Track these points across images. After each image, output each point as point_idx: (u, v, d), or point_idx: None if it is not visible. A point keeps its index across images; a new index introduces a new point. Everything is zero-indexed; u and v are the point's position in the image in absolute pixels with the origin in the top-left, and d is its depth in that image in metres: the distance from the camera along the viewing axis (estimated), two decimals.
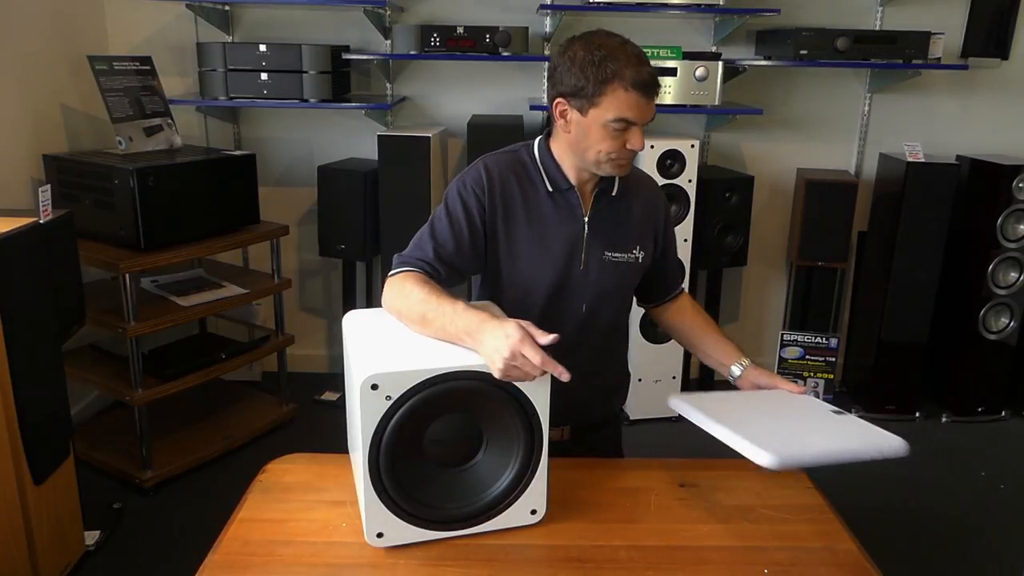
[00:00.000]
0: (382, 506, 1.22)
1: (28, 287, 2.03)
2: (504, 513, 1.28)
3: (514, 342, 1.17)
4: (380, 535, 1.23)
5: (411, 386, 1.18)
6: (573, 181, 1.52)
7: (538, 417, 1.25)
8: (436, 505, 1.26)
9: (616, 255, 1.55)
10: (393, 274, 1.43)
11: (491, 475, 1.28)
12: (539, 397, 1.24)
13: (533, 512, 1.30)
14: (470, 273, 1.57)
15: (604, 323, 1.59)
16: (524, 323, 1.21)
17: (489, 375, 1.20)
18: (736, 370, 1.59)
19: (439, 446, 1.26)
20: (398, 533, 1.24)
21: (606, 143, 1.41)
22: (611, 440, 1.75)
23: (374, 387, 1.16)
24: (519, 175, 1.53)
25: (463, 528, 1.27)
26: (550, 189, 1.52)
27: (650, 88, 1.38)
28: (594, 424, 1.68)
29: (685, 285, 1.83)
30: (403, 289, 1.38)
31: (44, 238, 2.10)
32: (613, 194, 1.55)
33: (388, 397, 1.18)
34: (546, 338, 1.19)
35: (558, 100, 1.44)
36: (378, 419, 1.18)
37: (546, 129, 1.57)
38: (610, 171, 1.47)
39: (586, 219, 1.53)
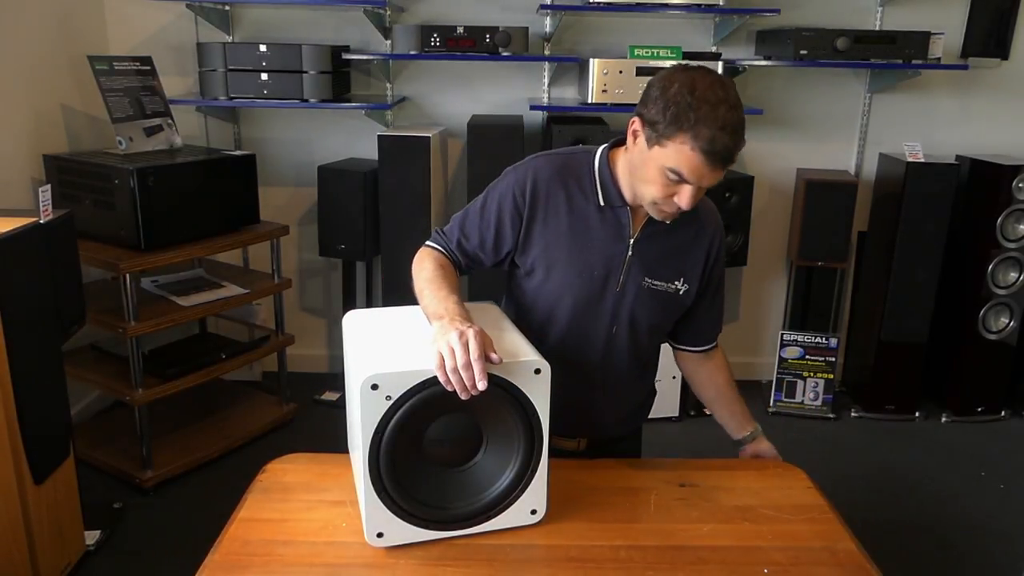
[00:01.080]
0: (382, 506, 1.22)
1: (28, 287, 2.03)
2: (504, 513, 1.28)
3: (467, 333, 1.17)
4: (380, 535, 1.23)
5: (411, 386, 1.18)
6: (628, 199, 1.46)
7: (538, 417, 1.25)
8: (436, 505, 1.26)
9: (656, 283, 1.49)
10: (427, 244, 1.53)
11: (491, 475, 1.28)
12: (539, 397, 1.24)
13: (533, 512, 1.30)
14: (491, 267, 1.56)
15: (632, 348, 1.53)
16: (484, 333, 1.22)
17: (490, 375, 1.20)
18: (743, 436, 1.63)
19: (439, 446, 1.26)
20: (398, 533, 1.24)
21: (657, 187, 1.34)
22: (628, 453, 1.69)
23: (374, 387, 1.16)
24: (570, 183, 1.48)
25: (463, 528, 1.27)
26: (602, 203, 1.47)
27: (718, 158, 1.27)
28: (613, 438, 1.64)
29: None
30: (422, 263, 1.47)
31: (44, 238, 2.10)
32: (667, 221, 1.45)
33: (388, 397, 1.18)
34: (494, 356, 1.19)
35: (635, 118, 1.36)
36: (378, 419, 1.18)
37: (613, 139, 1.50)
38: (653, 214, 1.41)
39: (632, 240, 1.47)
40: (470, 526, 1.28)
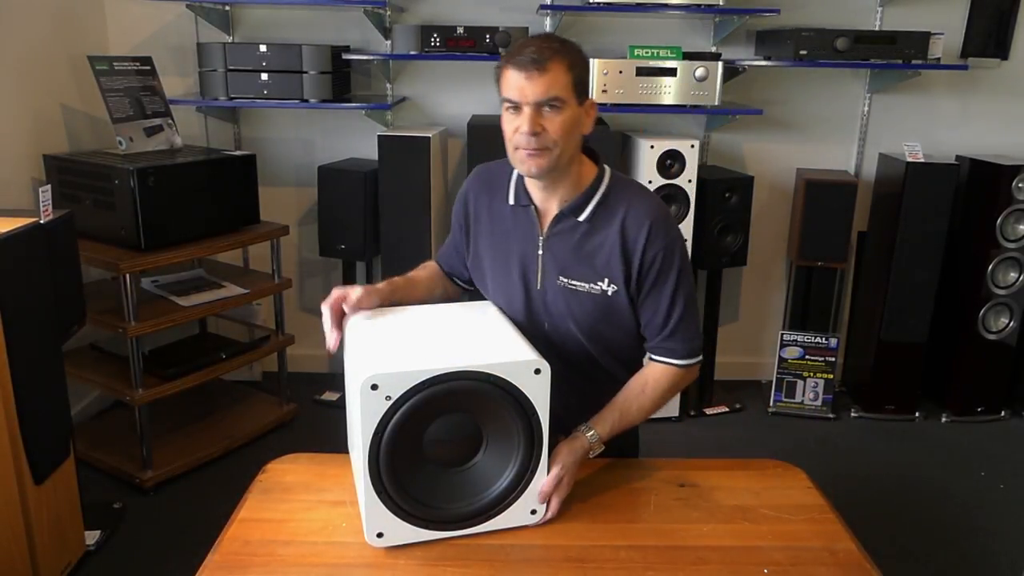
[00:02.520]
0: (382, 506, 1.22)
1: (28, 287, 2.03)
2: (504, 513, 1.29)
3: (340, 290, 1.43)
4: (380, 535, 1.23)
5: (411, 386, 1.18)
6: (536, 198, 1.49)
7: (538, 417, 1.25)
8: (436, 505, 1.26)
9: (574, 283, 1.47)
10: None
11: (491, 475, 1.28)
12: (539, 397, 1.24)
13: (533, 512, 1.31)
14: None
15: (580, 349, 1.51)
16: (367, 289, 1.44)
17: (488, 375, 1.21)
18: (582, 426, 1.45)
19: (439, 446, 1.26)
20: (398, 533, 1.24)
21: (508, 128, 1.39)
22: (624, 448, 1.64)
23: (374, 387, 1.17)
24: (493, 189, 1.55)
25: (463, 528, 1.27)
26: (512, 203, 1.52)
27: (525, 62, 1.33)
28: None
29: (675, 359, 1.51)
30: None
31: (44, 238, 2.10)
32: (579, 219, 1.46)
33: (388, 397, 1.18)
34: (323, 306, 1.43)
35: None
36: (378, 419, 1.18)
37: None
38: (522, 167, 1.42)
39: (541, 239, 1.48)
40: (470, 526, 1.28)
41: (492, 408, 1.24)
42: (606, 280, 1.46)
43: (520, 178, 1.51)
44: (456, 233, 1.64)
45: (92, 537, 2.39)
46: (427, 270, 1.71)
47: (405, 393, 1.18)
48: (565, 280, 1.48)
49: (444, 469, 1.28)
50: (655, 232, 1.43)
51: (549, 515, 1.32)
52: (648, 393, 1.49)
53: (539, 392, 1.24)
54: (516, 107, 1.36)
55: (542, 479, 1.29)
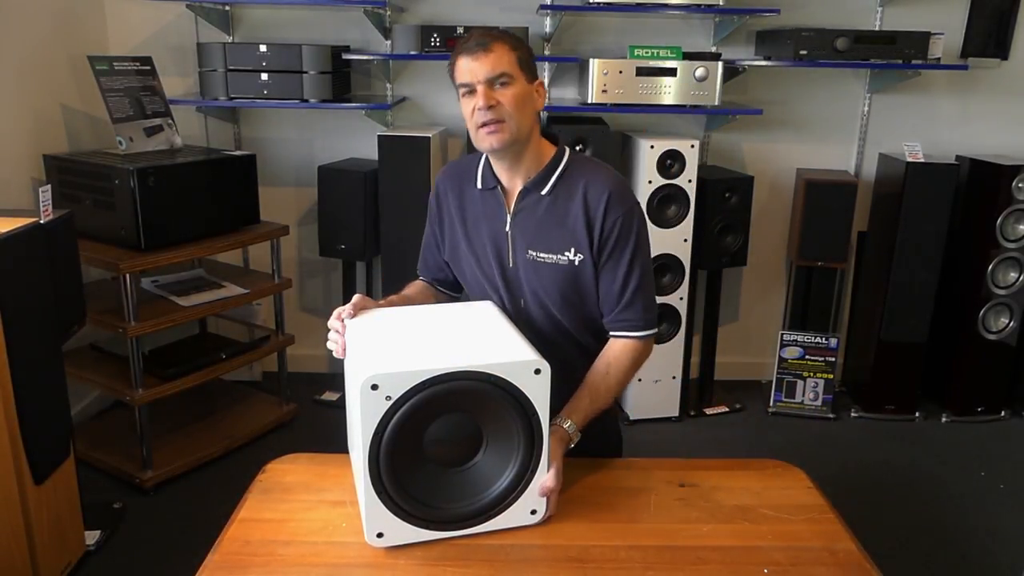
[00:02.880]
0: (382, 506, 1.22)
1: (28, 287, 2.03)
2: (504, 513, 1.28)
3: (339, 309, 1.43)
4: (380, 535, 1.23)
5: (411, 386, 1.18)
6: (502, 179, 1.57)
7: (538, 417, 1.25)
8: (436, 505, 1.26)
9: (541, 255, 1.54)
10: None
11: (491, 475, 1.28)
12: (539, 397, 1.24)
13: (533, 512, 1.30)
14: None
15: (553, 324, 1.57)
16: (357, 301, 1.45)
17: (488, 375, 1.21)
18: (556, 421, 1.43)
19: (439, 446, 1.26)
20: (398, 533, 1.24)
21: (467, 111, 1.49)
22: (607, 433, 1.67)
23: (374, 387, 1.17)
24: (462, 179, 1.64)
25: (463, 528, 1.27)
26: (479, 187, 1.60)
27: (473, 47, 1.45)
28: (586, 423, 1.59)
29: (639, 333, 1.55)
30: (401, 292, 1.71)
31: (44, 238, 2.10)
32: (543, 192, 1.54)
33: (388, 397, 1.18)
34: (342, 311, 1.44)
35: None
36: (378, 419, 1.18)
37: None
38: (484, 144, 1.49)
39: (509, 216, 1.56)
40: (470, 526, 1.28)
41: (492, 408, 1.24)
42: (572, 249, 1.53)
43: (487, 162, 1.59)
44: (430, 234, 1.72)
45: (92, 537, 2.39)
46: (415, 287, 1.75)
47: (405, 393, 1.18)
48: (534, 253, 1.55)
49: (444, 469, 1.27)
50: (614, 200, 1.51)
51: (550, 512, 1.32)
52: (613, 373, 1.53)
53: (539, 392, 1.24)
54: (471, 90, 1.47)
55: (542, 478, 1.30)
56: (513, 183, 1.57)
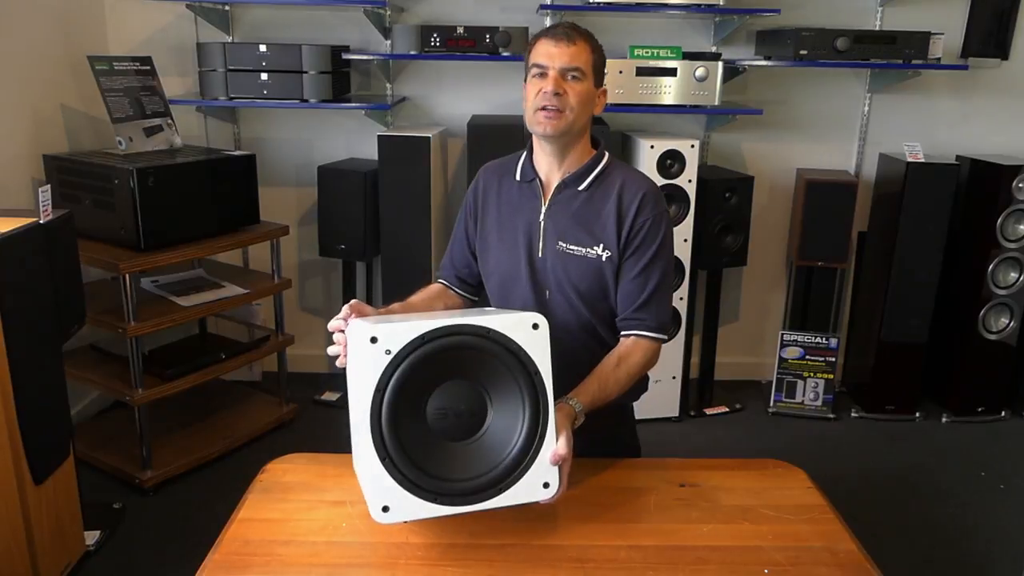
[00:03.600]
0: (386, 475, 1.17)
1: (28, 287, 2.03)
2: (516, 486, 1.23)
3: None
4: (386, 509, 1.17)
5: (410, 339, 1.17)
6: (541, 172, 1.62)
7: (540, 376, 1.23)
8: (444, 477, 1.21)
9: (571, 247, 1.57)
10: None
11: (499, 445, 1.24)
12: (539, 353, 1.23)
13: (546, 486, 1.25)
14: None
15: (576, 317, 1.59)
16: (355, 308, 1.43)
17: (487, 329, 1.21)
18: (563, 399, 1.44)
19: (444, 419, 1.23)
20: (405, 507, 1.18)
21: (532, 90, 1.52)
22: (622, 436, 1.71)
23: (373, 340, 1.16)
24: (503, 174, 1.69)
25: (474, 503, 1.22)
26: (518, 179, 1.65)
27: (557, 32, 1.52)
28: (598, 425, 1.58)
29: (650, 333, 1.57)
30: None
31: (44, 238, 2.10)
32: (580, 188, 1.59)
33: (388, 351, 1.16)
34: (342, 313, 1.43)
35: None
36: (379, 374, 1.16)
37: None
38: (539, 128, 1.53)
39: (544, 208, 1.60)
40: (481, 500, 1.22)
41: (494, 369, 1.22)
42: (601, 245, 1.56)
43: (528, 157, 1.64)
44: (461, 229, 1.75)
45: (92, 537, 2.39)
46: (425, 292, 1.76)
47: (405, 347, 1.17)
48: (563, 245, 1.58)
49: (451, 442, 1.23)
50: (647, 201, 1.56)
51: (563, 488, 1.28)
52: (623, 367, 1.54)
53: (538, 348, 1.22)
54: (543, 72, 1.51)
55: (551, 447, 1.25)
56: (551, 176, 1.61)
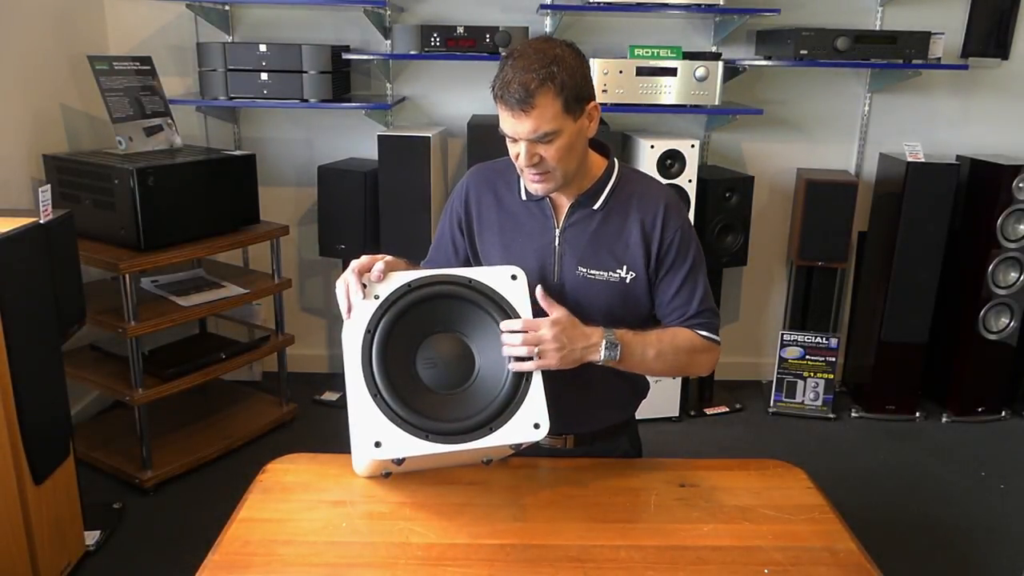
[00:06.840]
0: (377, 411, 1.24)
1: (28, 287, 2.03)
2: (506, 426, 1.29)
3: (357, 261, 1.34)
4: (378, 444, 1.23)
5: (398, 286, 1.31)
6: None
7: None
8: (435, 417, 1.28)
9: (591, 272, 1.48)
10: None
11: (488, 389, 1.32)
12: (520, 303, 1.35)
13: (536, 426, 1.31)
14: None
15: None
16: (377, 260, 1.34)
17: (468, 279, 1.33)
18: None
19: (433, 368, 1.32)
20: (396, 443, 1.24)
21: (511, 153, 1.41)
22: (626, 448, 1.67)
23: (363, 286, 1.30)
24: (499, 184, 1.55)
25: (465, 441, 1.27)
26: (523, 198, 1.52)
27: (509, 104, 1.33)
28: (600, 432, 1.61)
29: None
30: None
31: (44, 238, 2.10)
32: (595, 207, 1.48)
33: (376, 296, 1.29)
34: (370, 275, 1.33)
35: None
36: (368, 317, 1.27)
37: None
38: (531, 188, 1.43)
39: (557, 231, 1.49)
40: (472, 439, 1.27)
41: (478, 319, 1.32)
42: (625, 267, 1.48)
43: None
44: (446, 236, 1.61)
45: (92, 537, 2.39)
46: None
47: (392, 293, 1.30)
48: (584, 270, 1.48)
49: (440, 389, 1.32)
50: (670, 214, 1.48)
51: (532, 366, 1.32)
52: (679, 339, 1.47)
53: (519, 297, 1.33)
54: (514, 139, 1.38)
55: (539, 390, 1.31)
56: (561, 196, 1.50)
